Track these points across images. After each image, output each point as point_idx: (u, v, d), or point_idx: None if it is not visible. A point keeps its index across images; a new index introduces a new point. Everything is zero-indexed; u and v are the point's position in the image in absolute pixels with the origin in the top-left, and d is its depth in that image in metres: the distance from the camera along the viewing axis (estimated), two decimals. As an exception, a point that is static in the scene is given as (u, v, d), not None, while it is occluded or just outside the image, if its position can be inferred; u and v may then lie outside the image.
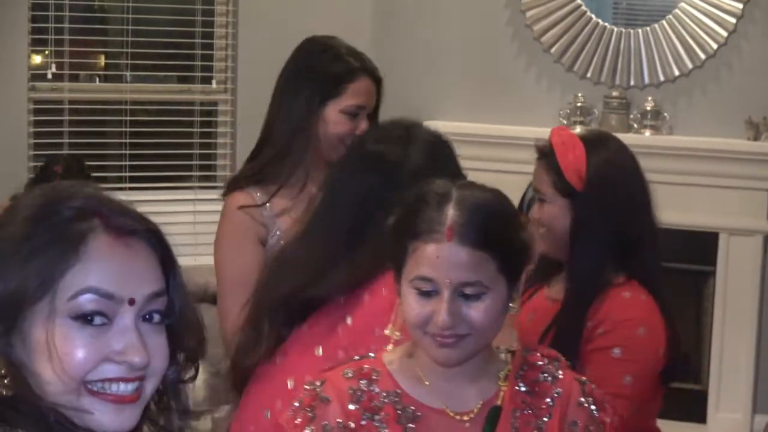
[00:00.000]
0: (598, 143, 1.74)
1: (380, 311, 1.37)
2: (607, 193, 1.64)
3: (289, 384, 1.41)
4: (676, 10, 3.58)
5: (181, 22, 4.05)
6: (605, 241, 1.62)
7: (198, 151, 3.85)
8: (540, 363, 1.21)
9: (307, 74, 1.96)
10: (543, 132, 3.21)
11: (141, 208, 0.66)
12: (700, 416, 3.20)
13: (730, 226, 3.08)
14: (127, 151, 3.80)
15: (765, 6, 3.53)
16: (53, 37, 3.73)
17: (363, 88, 1.90)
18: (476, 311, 1.04)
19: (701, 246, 3.13)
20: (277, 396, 1.41)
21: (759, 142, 3.17)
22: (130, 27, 3.86)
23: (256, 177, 1.89)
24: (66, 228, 0.60)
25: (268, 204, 1.88)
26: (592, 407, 1.19)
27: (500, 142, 3.69)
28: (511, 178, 2.85)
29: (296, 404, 1.16)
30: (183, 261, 0.66)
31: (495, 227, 1.06)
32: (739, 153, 3.10)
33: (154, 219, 0.66)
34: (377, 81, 1.91)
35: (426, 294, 1.06)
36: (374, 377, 1.17)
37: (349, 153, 1.66)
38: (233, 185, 1.94)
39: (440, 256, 1.05)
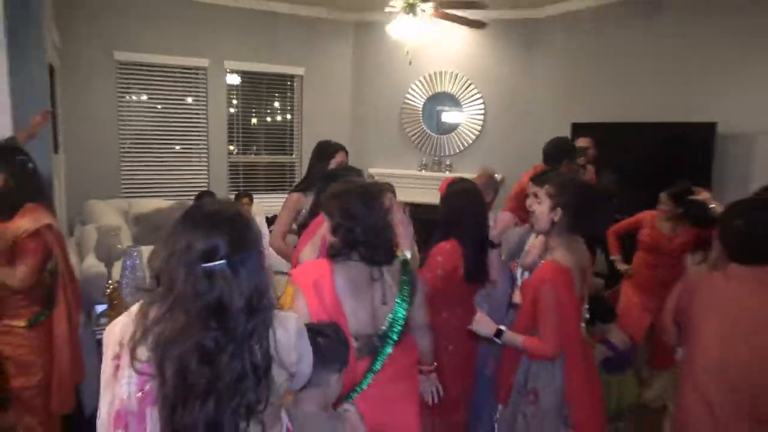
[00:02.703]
0: (454, 181, 2.61)
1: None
2: (447, 204, 2.52)
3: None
4: (458, 128, 6.45)
5: (281, 128, 6.47)
6: (444, 224, 2.52)
7: (289, 188, 5.39)
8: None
9: (323, 152, 3.17)
10: (412, 173, 6.45)
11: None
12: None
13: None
14: (261, 185, 6.31)
15: (493, 121, 6.30)
16: (239, 139, 6.30)
17: (341, 156, 3.12)
18: None
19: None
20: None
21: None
22: (261, 134, 6.52)
23: (301, 187, 3.09)
24: None
25: (305, 200, 3.02)
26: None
27: (398, 176, 6.35)
28: (401, 190, 5.76)
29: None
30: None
31: None
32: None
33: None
34: (346, 152, 3.15)
35: None
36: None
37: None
38: (294, 190, 3.12)
39: None
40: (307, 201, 3.04)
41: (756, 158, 4.35)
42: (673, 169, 4.60)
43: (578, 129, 5.34)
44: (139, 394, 1.20)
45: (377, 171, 6.58)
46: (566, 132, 5.33)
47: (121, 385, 1.21)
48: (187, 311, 1.19)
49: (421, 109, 6.60)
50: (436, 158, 6.59)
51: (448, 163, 6.54)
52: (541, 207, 2.14)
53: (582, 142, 4.30)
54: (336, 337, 1.73)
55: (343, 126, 6.68)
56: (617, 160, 5.00)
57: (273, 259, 2.90)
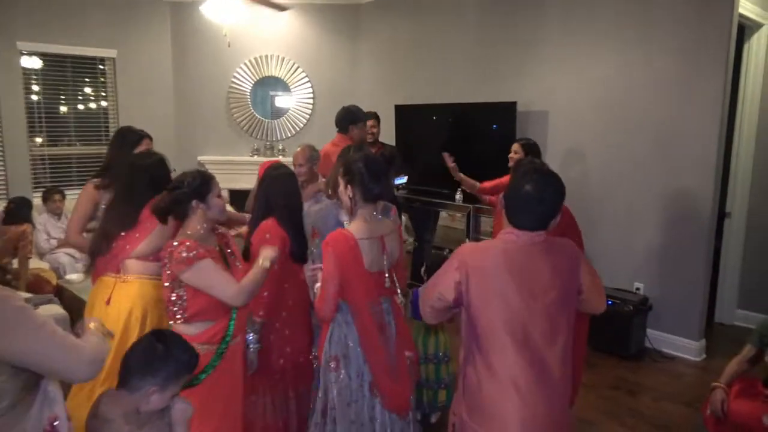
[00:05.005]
0: (272, 166, 2.65)
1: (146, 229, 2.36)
2: (266, 187, 2.56)
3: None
4: (288, 113, 6.33)
5: (94, 116, 5.82)
6: (262, 207, 2.54)
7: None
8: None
9: (126, 140, 2.93)
10: (244, 159, 6.09)
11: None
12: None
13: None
14: (75, 180, 5.61)
15: (322, 104, 6.17)
16: (43, 129, 5.59)
17: (147, 144, 2.93)
18: None
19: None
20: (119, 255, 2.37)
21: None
22: (72, 123, 5.77)
23: (102, 182, 2.77)
24: None
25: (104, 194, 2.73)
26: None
27: (230, 162, 6.16)
28: (234, 177, 5.74)
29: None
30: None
31: None
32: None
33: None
34: (151, 138, 2.96)
35: None
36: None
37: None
38: (95, 177, 2.81)
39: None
40: (105, 196, 2.74)
41: (549, 132, 4.82)
42: (483, 143, 4.93)
43: (401, 111, 5.51)
44: None
45: (207, 159, 6.22)
46: (391, 114, 5.50)
47: None
48: None
49: (249, 94, 6.35)
50: (268, 143, 6.41)
51: (280, 147, 6.39)
52: (341, 189, 2.24)
53: (369, 122, 4.52)
54: (176, 354, 1.62)
55: (166, 112, 6.22)
56: (434, 137, 5.34)
57: None
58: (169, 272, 2.05)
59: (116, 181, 2.59)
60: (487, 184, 4.07)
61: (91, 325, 1.60)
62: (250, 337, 2.42)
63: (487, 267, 1.74)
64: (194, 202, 2.10)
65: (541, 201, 1.75)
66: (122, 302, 2.39)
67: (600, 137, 4.53)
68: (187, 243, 2.01)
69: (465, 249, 1.83)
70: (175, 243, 2.03)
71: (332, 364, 2.23)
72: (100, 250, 2.44)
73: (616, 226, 4.44)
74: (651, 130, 4.24)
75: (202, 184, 2.12)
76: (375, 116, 4.70)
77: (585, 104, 4.59)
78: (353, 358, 2.21)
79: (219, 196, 2.17)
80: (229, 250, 2.20)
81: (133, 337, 2.27)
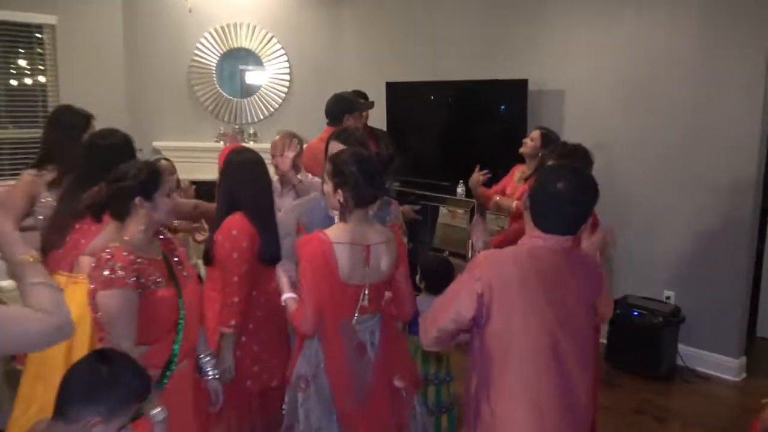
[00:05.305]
0: (235, 151, 2.48)
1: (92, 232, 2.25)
2: (228, 177, 2.40)
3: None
4: (260, 90, 5.76)
5: (30, 94, 5.27)
6: (226, 192, 2.38)
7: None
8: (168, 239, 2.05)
9: (69, 123, 2.72)
10: (209, 145, 5.40)
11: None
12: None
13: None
14: (7, 169, 5.12)
15: (301, 81, 5.74)
16: None
17: (93, 124, 2.76)
18: None
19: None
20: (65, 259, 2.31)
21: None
22: (3, 101, 5.22)
23: (46, 175, 2.60)
24: None
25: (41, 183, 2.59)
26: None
27: (191, 149, 5.56)
28: (196, 166, 5.08)
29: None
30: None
31: None
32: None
33: None
34: (93, 118, 2.77)
35: None
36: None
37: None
38: (34, 166, 2.64)
39: None
40: (46, 190, 2.54)
41: (566, 115, 4.47)
42: (489, 127, 4.73)
43: (392, 89, 5.23)
44: None
45: (164, 144, 5.56)
46: (381, 92, 5.09)
47: None
48: None
49: (214, 69, 5.79)
50: (237, 126, 5.84)
51: (251, 131, 5.85)
52: (327, 188, 2.10)
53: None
54: (124, 378, 1.49)
55: (116, 90, 5.55)
56: (431, 120, 5.16)
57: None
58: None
59: (65, 168, 2.47)
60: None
61: (29, 257, 1.40)
62: (206, 362, 2.14)
63: (512, 276, 1.66)
64: (138, 200, 1.87)
65: (574, 202, 1.68)
66: (74, 308, 2.07)
67: (623, 122, 4.22)
68: (117, 259, 1.75)
69: (482, 258, 1.74)
70: (108, 250, 1.79)
71: (302, 384, 2.13)
72: (53, 245, 2.31)
73: (644, 226, 4.13)
74: (681, 114, 3.94)
75: (149, 178, 1.89)
76: (364, 97, 4.36)
77: (605, 82, 4.30)
78: (323, 379, 2.11)
79: (169, 195, 1.94)
80: (175, 259, 2.00)
81: (83, 351, 2.07)
